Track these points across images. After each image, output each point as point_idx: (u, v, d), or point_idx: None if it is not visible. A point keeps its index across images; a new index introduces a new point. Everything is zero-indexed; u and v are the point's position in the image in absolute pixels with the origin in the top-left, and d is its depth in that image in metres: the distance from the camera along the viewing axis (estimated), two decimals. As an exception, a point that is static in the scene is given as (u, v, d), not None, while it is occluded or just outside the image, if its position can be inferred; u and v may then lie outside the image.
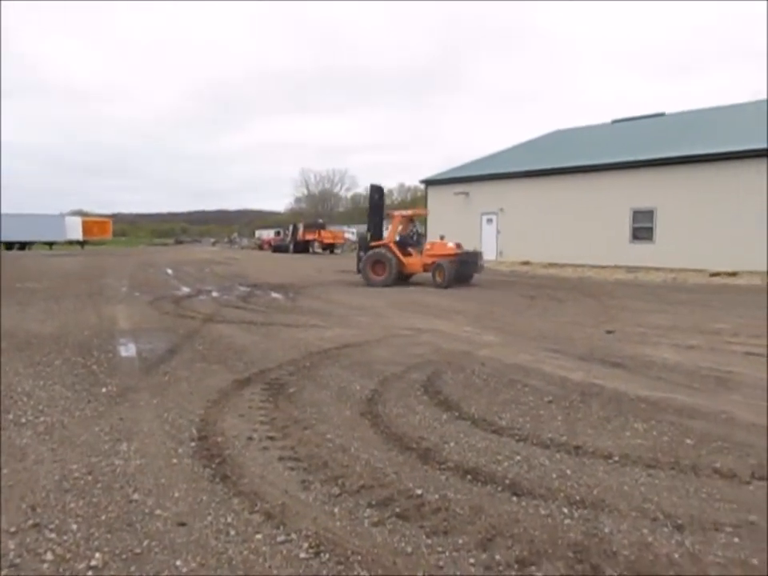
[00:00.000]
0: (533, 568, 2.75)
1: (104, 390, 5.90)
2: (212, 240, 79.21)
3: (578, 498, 3.47)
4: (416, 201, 65.20)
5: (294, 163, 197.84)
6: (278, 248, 47.51)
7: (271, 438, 4.50)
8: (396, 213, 19.03)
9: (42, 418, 5.00)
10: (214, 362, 7.21)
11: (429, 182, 32.31)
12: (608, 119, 33.32)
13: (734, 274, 18.74)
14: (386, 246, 17.90)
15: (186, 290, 16.09)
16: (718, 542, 2.98)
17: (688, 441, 4.41)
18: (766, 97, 27.17)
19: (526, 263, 25.10)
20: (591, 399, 5.46)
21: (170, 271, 23.27)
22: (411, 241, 18.55)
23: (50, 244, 50.15)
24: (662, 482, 3.70)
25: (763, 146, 19.45)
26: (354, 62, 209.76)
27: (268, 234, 63.56)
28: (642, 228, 22.61)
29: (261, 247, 55.41)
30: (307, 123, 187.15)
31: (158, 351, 7.78)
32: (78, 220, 56.02)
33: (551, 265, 24.26)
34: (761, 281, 17.76)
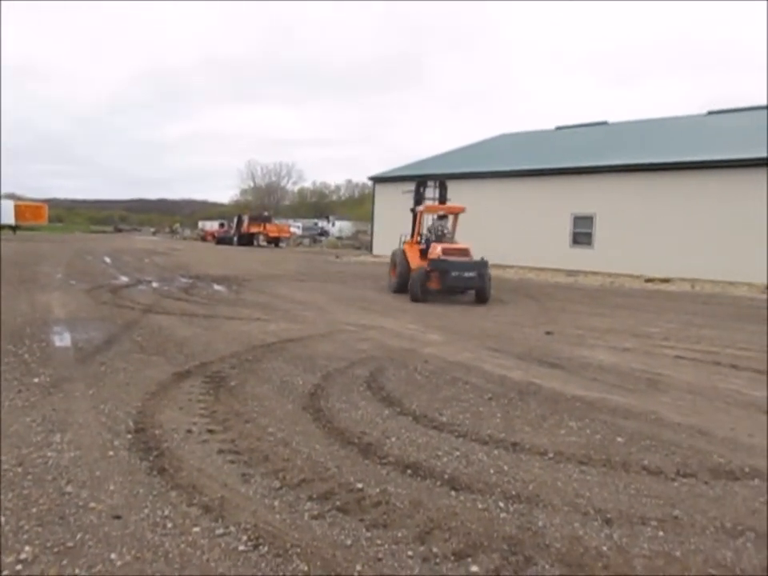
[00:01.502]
0: (469, 560, 2.81)
1: (36, 380, 5.70)
2: (152, 229, 77.09)
3: (513, 492, 3.57)
4: (364, 198, 65.23)
5: (240, 155, 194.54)
6: (222, 240, 46.71)
7: (211, 431, 4.44)
8: (419, 207, 15.38)
9: (-32, 408, 4.79)
10: (153, 353, 7.06)
11: (377, 179, 32.36)
12: (552, 125, 34.15)
13: (666, 281, 19.51)
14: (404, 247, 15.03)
15: (124, 279, 15.67)
16: (644, 535, 3.11)
17: (619, 439, 4.58)
18: (706, 111, 28.33)
19: (470, 264, 25.51)
20: (529, 397, 5.61)
21: (108, 260, 22.60)
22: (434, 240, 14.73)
23: (-22, 228, 47.89)
24: (593, 478, 3.84)
25: (700, 158, 20.31)
26: (303, 55, 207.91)
27: (212, 226, 62.41)
28: (582, 233, 23.27)
29: (204, 239, 54.37)
30: (254, 115, 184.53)
31: (95, 341, 7.56)
32: (11, 203, 53.64)
33: (494, 266, 24.70)
34: (690, 287, 18.56)
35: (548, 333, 9.52)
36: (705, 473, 3.96)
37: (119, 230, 75.33)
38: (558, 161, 24.98)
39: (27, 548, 2.80)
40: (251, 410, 5.02)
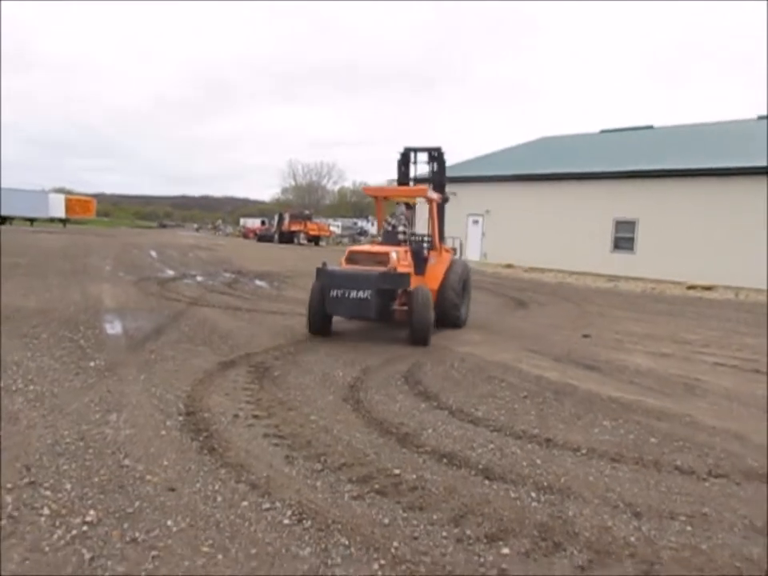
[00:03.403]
0: (500, 543, 2.96)
1: (92, 363, 6.03)
2: (195, 226, 78.57)
3: (545, 484, 3.69)
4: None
5: (282, 154, 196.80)
6: (263, 237, 47.35)
7: (256, 417, 4.67)
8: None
9: (31, 387, 5.12)
10: (199, 343, 7.35)
11: (417, 181, 32.47)
12: (597, 128, 33.79)
13: (709, 288, 19.19)
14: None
15: (170, 272, 16.14)
16: (672, 529, 3.21)
17: (653, 439, 4.65)
18: (756, 116, 27.72)
19: (509, 266, 25.41)
20: (564, 397, 5.70)
21: (153, 254, 23.22)
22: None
23: (32, 220, 49.58)
24: (625, 474, 3.93)
25: (747, 164, 19.92)
26: (345, 55, 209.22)
27: (253, 223, 63.30)
28: (624, 238, 23.01)
29: (245, 236, 55.16)
30: (296, 115, 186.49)
31: (144, 330, 7.90)
32: (62, 197, 55.35)
33: (533, 269, 24.60)
34: (734, 295, 18.21)
35: (585, 336, 9.54)
36: (737, 474, 4.01)
37: (163, 226, 77.03)
38: (602, 165, 24.74)
39: (92, 512, 3.05)
40: (294, 398, 5.23)
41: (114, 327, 8.05)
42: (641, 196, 22.55)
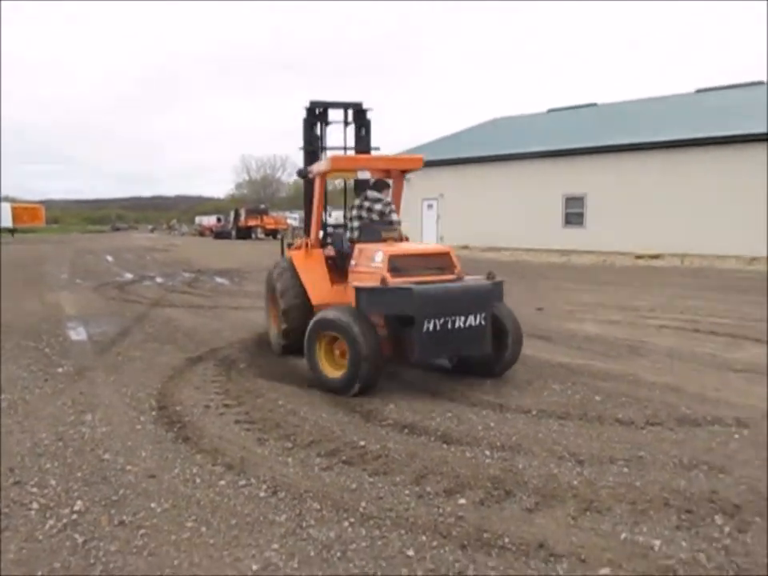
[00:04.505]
0: (457, 495, 3.29)
1: (60, 369, 6.16)
2: (150, 227, 77.34)
3: (498, 444, 4.04)
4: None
5: (234, 149, 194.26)
6: (220, 234, 47.10)
7: (227, 406, 4.91)
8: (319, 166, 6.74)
9: (2, 396, 5.24)
10: (164, 342, 7.51)
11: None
12: (544, 108, 34.46)
13: (656, 257, 19.96)
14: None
15: (128, 276, 16.10)
16: (611, 471, 3.59)
17: (597, 397, 5.05)
18: (695, 90, 28.65)
19: (466, 248, 25.89)
20: (518, 366, 6.05)
21: (110, 258, 23.02)
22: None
23: (-23, 232, 48.23)
24: (570, 429, 4.31)
25: (688, 136, 20.69)
26: (293, 45, 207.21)
27: (209, 220, 62.60)
28: (574, 213, 23.68)
29: (202, 234, 54.74)
30: (244, 109, 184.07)
31: (109, 334, 8.01)
32: (8, 206, 53.95)
33: (489, 249, 25.14)
34: (680, 262, 19.01)
35: (539, 309, 9.97)
36: (671, 422, 4.42)
37: (117, 229, 75.54)
38: (551, 143, 25.34)
39: (79, 502, 3.27)
40: (261, 387, 5.48)
41: (77, 333, 8.13)
42: (588, 172, 23.21)
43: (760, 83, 26.10)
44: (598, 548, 2.77)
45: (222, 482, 3.51)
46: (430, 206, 28.55)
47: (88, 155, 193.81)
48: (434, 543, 2.83)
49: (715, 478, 3.49)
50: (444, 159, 28.08)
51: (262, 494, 3.35)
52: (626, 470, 3.61)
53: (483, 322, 5.18)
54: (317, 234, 6.74)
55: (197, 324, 8.74)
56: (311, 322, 5.46)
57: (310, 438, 4.18)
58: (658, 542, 2.81)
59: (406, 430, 4.30)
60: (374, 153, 7.31)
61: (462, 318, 5.06)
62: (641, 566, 2.63)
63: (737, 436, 4.15)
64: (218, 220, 58.63)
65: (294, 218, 58.64)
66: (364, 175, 6.43)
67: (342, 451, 3.93)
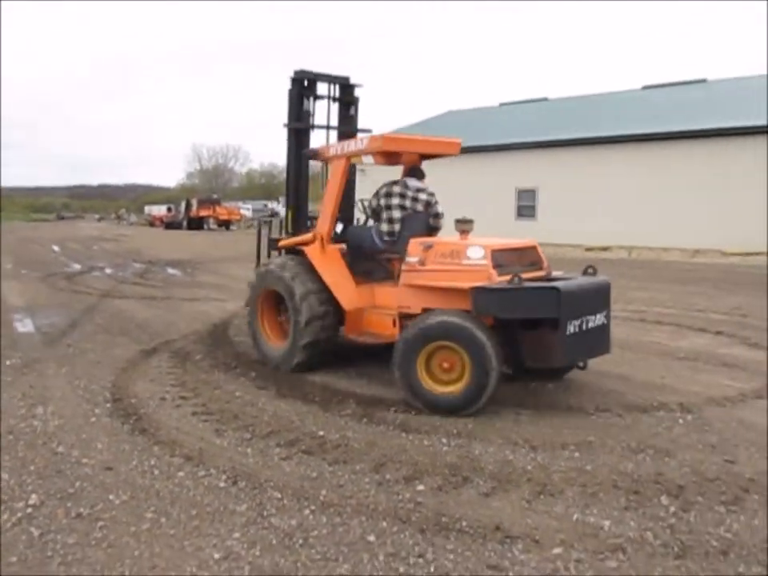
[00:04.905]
0: (416, 482, 3.37)
1: (8, 362, 5.98)
2: (97, 216, 75.20)
3: (455, 432, 4.13)
4: (314, 178, 64.86)
5: (185, 137, 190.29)
6: (171, 224, 46.17)
7: (183, 398, 4.87)
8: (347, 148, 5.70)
9: (-52, 389, 5.08)
10: (117, 334, 7.37)
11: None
12: (497, 102, 34.83)
13: (605, 249, 20.52)
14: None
15: (77, 266, 15.68)
16: (563, 456, 3.73)
17: (549, 386, 5.20)
18: (641, 86, 29.43)
19: (420, 239, 26.16)
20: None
21: (56, 248, 22.35)
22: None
23: None
24: (525, 417, 4.43)
25: (635, 131, 21.28)
26: (244, 30, 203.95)
27: (159, 210, 61.24)
28: (526, 206, 24.12)
29: (152, 224, 53.54)
30: (197, 95, 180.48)
31: (58, 326, 7.81)
32: (-55, 194, 51.76)
33: (443, 241, 25.44)
34: (627, 254, 19.60)
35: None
36: (619, 408, 4.60)
37: (62, 218, 73.18)
38: (504, 136, 25.69)
39: (34, 496, 3.21)
40: (218, 378, 5.45)
41: (24, 325, 7.91)
42: (539, 165, 23.65)
43: (702, 81, 27.02)
44: (551, 529, 2.88)
45: (181, 473, 3.49)
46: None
47: (29, 141, 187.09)
48: (394, 528, 2.89)
49: (661, 461, 3.66)
50: (399, 151, 28.18)
51: (221, 485, 3.35)
52: (577, 454, 3.75)
53: (606, 321, 4.87)
54: (331, 227, 5.74)
55: (149, 315, 8.60)
56: (411, 332, 4.61)
57: (269, 428, 4.19)
58: (607, 522, 2.94)
59: (365, 420, 4.35)
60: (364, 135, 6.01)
61: (594, 318, 4.69)
62: (591, 545, 2.75)
63: (681, 421, 4.35)
64: (169, 210, 57.43)
65: (247, 209, 58.01)
66: (367, 160, 5.65)
67: (301, 441, 3.96)
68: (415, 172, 6.00)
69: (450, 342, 4.47)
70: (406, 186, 5.76)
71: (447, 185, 25.90)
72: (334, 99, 6.65)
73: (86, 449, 3.85)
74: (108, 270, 14.81)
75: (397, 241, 5.51)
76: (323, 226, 5.68)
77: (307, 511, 3.05)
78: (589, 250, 20.65)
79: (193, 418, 4.40)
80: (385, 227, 5.65)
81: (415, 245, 5.04)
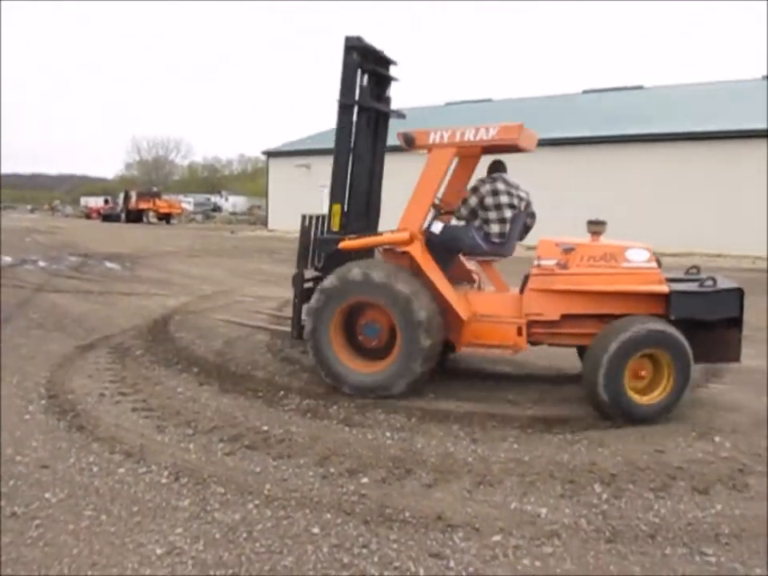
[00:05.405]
0: (360, 475, 3.41)
1: (-67, 358, 5.72)
2: (30, 207, 72.18)
3: (398, 425, 4.20)
4: (257, 172, 64.23)
5: (124, 126, 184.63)
6: (109, 217, 44.75)
7: (123, 394, 4.77)
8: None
9: None
10: (51, 329, 7.14)
11: (270, 154, 32.23)
12: (442, 101, 35.22)
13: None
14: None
15: (7, 259, 15.01)
16: (502, 448, 3.84)
17: (491, 382, 5.33)
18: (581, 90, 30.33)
19: (365, 236, 26.23)
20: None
21: (-16, 240, 21.35)
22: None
23: None
24: (464, 410, 4.53)
25: (577, 134, 21.91)
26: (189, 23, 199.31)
27: (96, 202, 59.30)
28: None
29: (88, 216, 51.75)
30: (138, 85, 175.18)
31: (-12, 320, 7.50)
32: None
33: (388, 238, 25.58)
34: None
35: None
36: (555, 401, 4.76)
37: (-10, 209, 70.02)
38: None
39: (-38, 495, 3.10)
40: (159, 374, 5.36)
41: (-49, 320, 7.56)
42: (481, 166, 24.08)
43: (639, 87, 28.07)
44: (490, 518, 2.98)
45: (122, 470, 3.44)
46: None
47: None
48: (339, 520, 2.93)
49: (594, 450, 3.82)
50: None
51: (163, 481, 3.32)
52: (515, 446, 3.87)
53: None
54: (422, 223, 5.13)
55: (86, 310, 8.35)
56: (621, 341, 4.25)
57: (212, 423, 4.16)
58: (544, 510, 3.06)
59: (309, 415, 4.37)
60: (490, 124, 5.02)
61: None
62: (529, 532, 2.86)
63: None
64: (106, 202, 55.60)
65: (188, 202, 56.82)
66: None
67: (244, 436, 3.94)
68: (502, 167, 5.45)
69: (656, 349, 4.32)
70: (508, 183, 5.27)
71: (390, 180, 26.13)
72: (380, 76, 5.67)
73: (20, 446, 3.73)
74: (42, 263, 14.25)
75: (506, 242, 5.16)
76: (416, 222, 5.03)
77: (251, 505, 3.05)
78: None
79: (133, 414, 4.32)
80: (496, 228, 5.14)
81: (550, 247, 4.75)
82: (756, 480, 3.45)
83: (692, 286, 4.55)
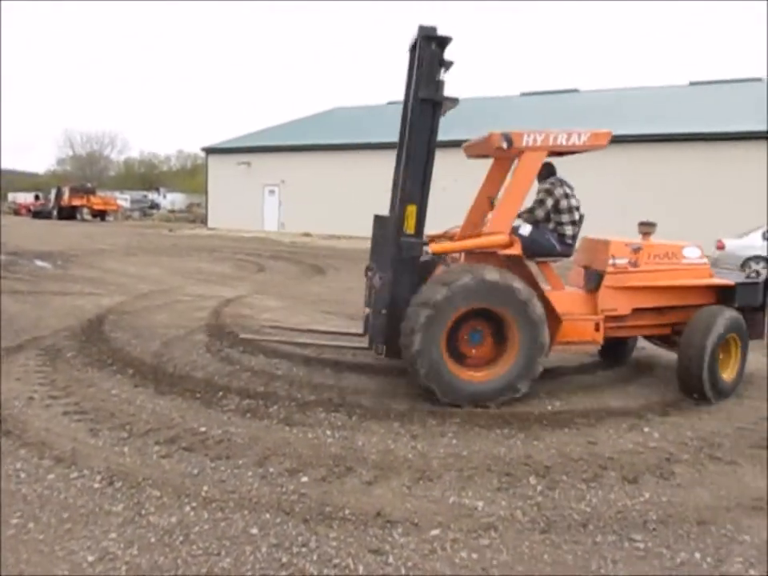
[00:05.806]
0: (300, 474, 3.40)
1: None
2: (-48, 203, 68.71)
3: (339, 424, 4.20)
4: (196, 169, 62.87)
5: (56, 120, 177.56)
6: (40, 213, 43.02)
7: (54, 397, 4.60)
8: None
9: None
10: (-24, 331, 6.82)
11: (210, 150, 31.65)
12: (384, 100, 35.32)
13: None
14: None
15: (-72, 258, 14.27)
16: (441, 444, 3.90)
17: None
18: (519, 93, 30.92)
19: (307, 235, 25.99)
20: (359, 351, 6.27)
21: None
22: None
23: None
24: (403, 407, 4.57)
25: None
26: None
27: (25, 198, 56.86)
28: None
29: (17, 212, 49.63)
30: (71, 76, 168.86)
31: None
32: None
33: (330, 236, 25.43)
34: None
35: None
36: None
37: None
38: (388, 135, 26.07)
39: None
40: (93, 376, 5.19)
41: None
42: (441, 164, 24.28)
43: (576, 91, 28.84)
44: (429, 512, 3.02)
45: (51, 476, 3.32)
46: (271, 192, 28.28)
47: None
48: (278, 520, 2.92)
49: (530, 444, 3.92)
50: (285, 145, 27.95)
51: (96, 485, 3.22)
52: (454, 441, 3.94)
53: None
54: (509, 226, 4.96)
55: (15, 311, 8.00)
56: (719, 328, 4.80)
57: (148, 426, 4.06)
58: (481, 503, 3.12)
59: (249, 415, 4.33)
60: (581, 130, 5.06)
61: None
62: (466, 525, 2.91)
63: (549, 407, 4.66)
64: (37, 198, 53.49)
65: (125, 199, 55.21)
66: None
67: (181, 438, 3.87)
68: (555, 170, 5.51)
69: (734, 333, 4.98)
70: (565, 185, 5.36)
71: (333, 179, 26.06)
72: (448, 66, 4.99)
73: (-59, 454, 3.56)
74: (-35, 262, 13.60)
75: (573, 243, 5.32)
76: (507, 225, 4.91)
77: (188, 508, 3.00)
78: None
79: (64, 418, 4.18)
80: (569, 230, 5.25)
81: (621, 247, 5.07)
82: (682, 468, 3.61)
83: (741, 277, 5.43)
